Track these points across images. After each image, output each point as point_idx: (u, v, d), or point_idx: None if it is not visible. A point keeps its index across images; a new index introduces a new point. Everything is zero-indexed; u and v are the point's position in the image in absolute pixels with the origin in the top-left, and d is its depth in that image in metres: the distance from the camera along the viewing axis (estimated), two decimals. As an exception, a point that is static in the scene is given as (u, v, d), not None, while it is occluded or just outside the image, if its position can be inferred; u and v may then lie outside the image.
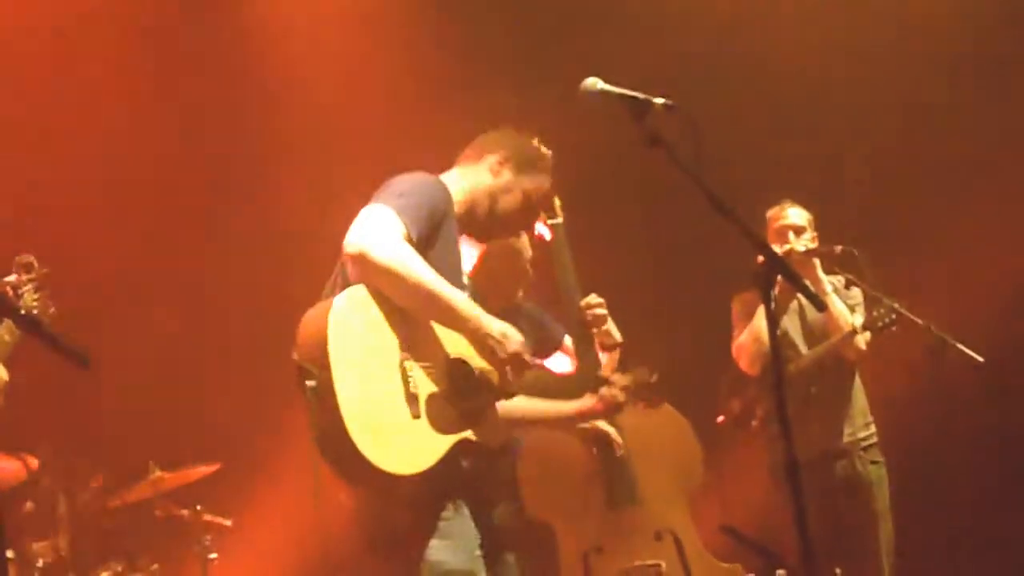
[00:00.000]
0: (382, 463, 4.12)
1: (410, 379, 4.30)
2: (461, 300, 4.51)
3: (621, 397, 5.48)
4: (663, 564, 5.80)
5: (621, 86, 4.22)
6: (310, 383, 4.14)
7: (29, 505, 5.96)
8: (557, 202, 5.87)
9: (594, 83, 4.31)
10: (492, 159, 4.90)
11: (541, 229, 5.87)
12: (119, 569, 6.17)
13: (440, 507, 4.39)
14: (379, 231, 4.40)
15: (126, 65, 7.57)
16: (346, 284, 4.43)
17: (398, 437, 4.19)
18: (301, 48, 7.98)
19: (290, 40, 7.93)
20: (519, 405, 5.56)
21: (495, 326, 4.56)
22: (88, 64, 7.43)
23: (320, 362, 4.15)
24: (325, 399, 4.10)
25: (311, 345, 4.21)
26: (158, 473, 6.39)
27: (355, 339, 4.26)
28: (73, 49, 7.37)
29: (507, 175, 4.86)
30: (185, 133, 7.55)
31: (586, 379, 5.80)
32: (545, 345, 6.07)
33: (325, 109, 7.72)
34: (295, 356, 4.21)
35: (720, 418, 7.06)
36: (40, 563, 5.90)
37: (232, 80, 7.91)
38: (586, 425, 5.75)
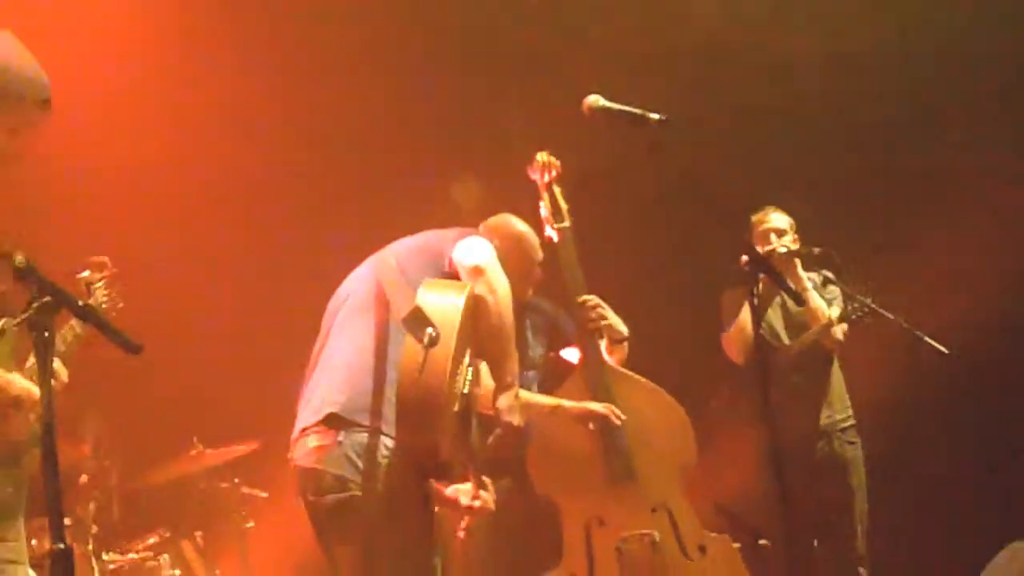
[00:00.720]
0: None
1: (461, 381, 4.58)
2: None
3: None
4: (657, 534, 5.81)
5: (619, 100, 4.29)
6: (431, 330, 4.38)
7: (84, 478, 5.98)
8: (564, 207, 5.94)
9: (596, 100, 4.39)
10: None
11: (550, 232, 5.93)
12: (166, 535, 6.20)
13: None
14: (494, 260, 4.74)
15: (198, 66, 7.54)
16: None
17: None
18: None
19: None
20: (530, 396, 5.66)
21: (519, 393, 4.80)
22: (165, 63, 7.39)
23: (451, 322, 4.45)
24: (439, 348, 4.37)
25: (445, 309, 4.52)
26: (201, 450, 6.43)
27: (467, 325, 4.56)
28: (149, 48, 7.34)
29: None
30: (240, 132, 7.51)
31: (591, 367, 5.88)
32: (558, 339, 6.14)
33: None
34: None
35: (712, 403, 7.13)
36: (94, 529, 5.92)
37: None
38: (586, 405, 5.80)
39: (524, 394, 5.74)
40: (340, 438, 4.56)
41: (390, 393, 4.56)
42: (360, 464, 4.53)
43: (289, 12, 7.72)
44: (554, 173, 5.97)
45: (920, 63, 7.83)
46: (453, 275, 4.82)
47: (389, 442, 4.57)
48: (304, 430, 4.66)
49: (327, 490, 4.56)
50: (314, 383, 4.76)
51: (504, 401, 4.72)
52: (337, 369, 4.72)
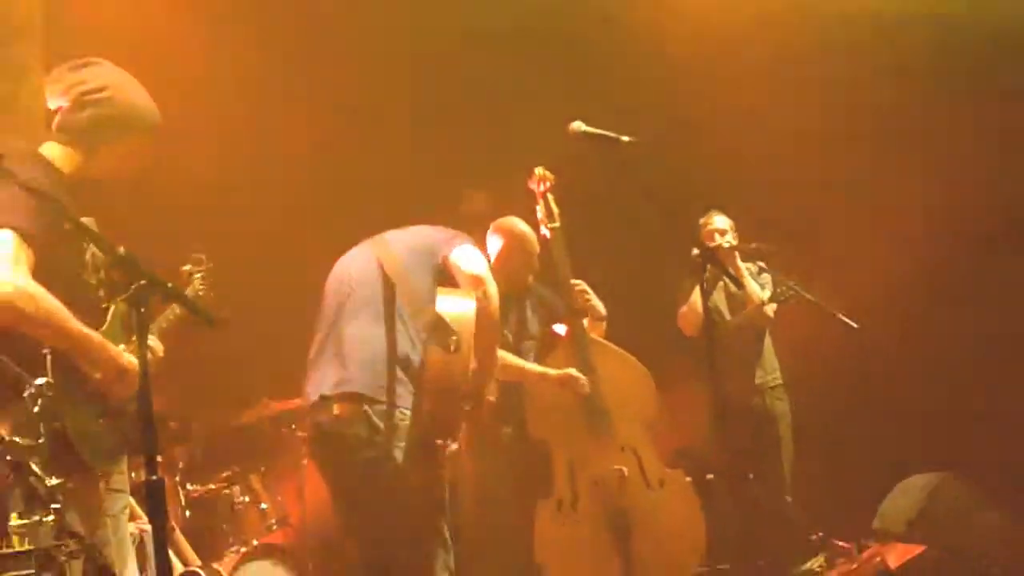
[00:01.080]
0: None
1: None
2: None
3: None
4: (625, 469, 5.87)
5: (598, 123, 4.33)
6: (455, 338, 4.66)
7: (173, 424, 5.99)
8: (556, 211, 5.96)
9: (579, 126, 4.44)
10: None
11: (544, 231, 5.96)
12: (236, 470, 6.20)
13: None
14: (488, 270, 4.85)
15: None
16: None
17: None
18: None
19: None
20: (515, 361, 5.70)
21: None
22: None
23: (468, 328, 4.70)
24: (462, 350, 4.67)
25: (461, 317, 4.71)
26: (266, 402, 6.43)
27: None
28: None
29: None
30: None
31: (576, 340, 5.89)
32: (551, 316, 6.17)
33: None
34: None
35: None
36: (180, 465, 5.94)
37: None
38: (566, 372, 5.83)
39: (519, 361, 5.81)
40: (364, 408, 4.59)
41: (400, 374, 4.62)
42: (382, 427, 4.57)
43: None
44: (548, 184, 6.05)
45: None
46: (445, 271, 4.84)
47: (404, 412, 4.61)
48: (325, 397, 4.66)
49: (357, 448, 4.59)
50: (332, 361, 4.72)
51: (488, 383, 4.87)
52: (355, 353, 4.69)
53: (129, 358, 3.71)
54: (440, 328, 4.65)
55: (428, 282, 4.81)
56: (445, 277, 4.86)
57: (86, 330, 3.63)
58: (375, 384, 4.61)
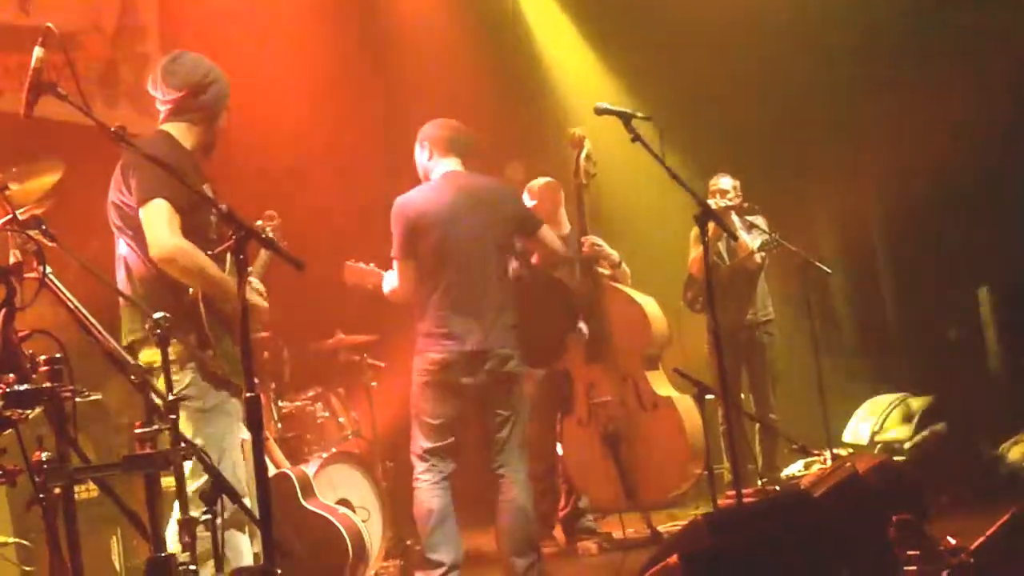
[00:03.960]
0: None
1: None
2: None
3: None
4: (625, 396, 5.84)
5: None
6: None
7: (266, 355, 6.02)
8: (583, 167, 5.80)
9: (601, 104, 4.43)
10: None
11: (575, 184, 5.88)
12: (319, 391, 6.22)
13: None
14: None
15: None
16: None
17: None
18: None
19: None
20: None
21: None
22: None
23: None
24: None
25: None
26: (341, 335, 6.46)
27: None
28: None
29: None
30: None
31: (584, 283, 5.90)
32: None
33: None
34: None
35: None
36: (272, 385, 5.97)
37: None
38: None
39: None
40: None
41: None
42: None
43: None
44: (580, 144, 5.84)
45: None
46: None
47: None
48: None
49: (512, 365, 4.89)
50: (484, 312, 4.83)
51: None
52: (502, 311, 4.87)
53: (254, 298, 3.95)
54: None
55: None
56: None
57: (225, 276, 3.82)
58: (512, 337, 4.99)
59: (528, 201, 6.03)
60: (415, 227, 4.84)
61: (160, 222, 3.73)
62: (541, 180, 6.38)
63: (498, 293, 4.89)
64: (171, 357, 3.43)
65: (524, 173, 6.81)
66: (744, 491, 4.56)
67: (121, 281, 3.91)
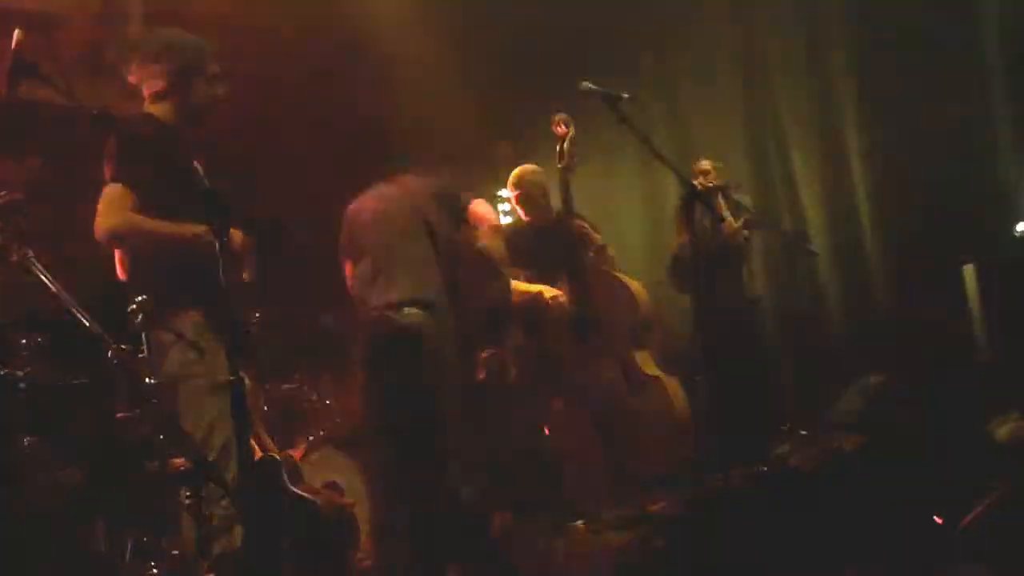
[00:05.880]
0: None
1: None
2: None
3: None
4: (612, 374, 5.88)
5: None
6: None
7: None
8: (567, 151, 5.82)
9: (586, 84, 4.41)
10: None
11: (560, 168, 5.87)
12: (307, 372, 6.20)
13: None
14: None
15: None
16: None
17: None
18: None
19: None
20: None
21: None
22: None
23: None
24: None
25: None
26: (327, 315, 6.42)
27: None
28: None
29: None
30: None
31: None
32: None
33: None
34: None
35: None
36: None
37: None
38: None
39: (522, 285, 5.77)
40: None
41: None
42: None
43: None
44: (563, 127, 5.89)
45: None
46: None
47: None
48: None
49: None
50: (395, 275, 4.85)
51: None
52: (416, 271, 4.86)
53: None
54: None
55: None
56: None
57: (181, 228, 3.71)
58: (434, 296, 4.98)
59: (508, 193, 6.09)
60: None
61: (103, 208, 3.73)
62: (527, 167, 6.32)
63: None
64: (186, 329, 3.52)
65: (513, 152, 6.79)
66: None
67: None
